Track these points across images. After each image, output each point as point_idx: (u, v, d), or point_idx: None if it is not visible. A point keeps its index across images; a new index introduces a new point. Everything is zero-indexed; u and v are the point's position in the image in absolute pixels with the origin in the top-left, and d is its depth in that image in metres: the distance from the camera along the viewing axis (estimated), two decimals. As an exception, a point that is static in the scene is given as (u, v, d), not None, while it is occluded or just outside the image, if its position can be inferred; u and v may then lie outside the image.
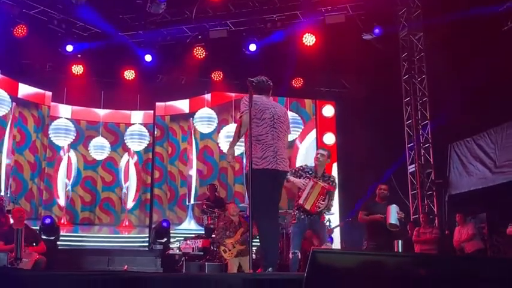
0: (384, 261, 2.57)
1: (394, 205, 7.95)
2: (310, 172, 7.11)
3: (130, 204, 15.13)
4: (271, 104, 5.90)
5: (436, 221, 12.46)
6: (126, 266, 6.95)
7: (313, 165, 7.23)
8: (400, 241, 7.77)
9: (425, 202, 12.87)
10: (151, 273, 5.15)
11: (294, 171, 7.13)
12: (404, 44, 13.51)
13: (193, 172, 15.14)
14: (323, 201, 6.87)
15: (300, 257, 6.87)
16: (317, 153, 7.33)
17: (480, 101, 10.75)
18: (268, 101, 5.88)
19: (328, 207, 7.10)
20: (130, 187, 15.20)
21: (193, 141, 15.29)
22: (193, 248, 10.53)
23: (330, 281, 2.44)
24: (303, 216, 6.99)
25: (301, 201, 6.90)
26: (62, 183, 14.73)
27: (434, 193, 12.83)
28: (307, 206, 6.84)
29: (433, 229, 11.38)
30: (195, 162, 15.17)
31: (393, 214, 7.87)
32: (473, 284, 2.51)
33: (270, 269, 5.26)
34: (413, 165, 13.16)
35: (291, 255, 6.78)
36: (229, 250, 9.25)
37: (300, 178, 7.02)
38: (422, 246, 11.07)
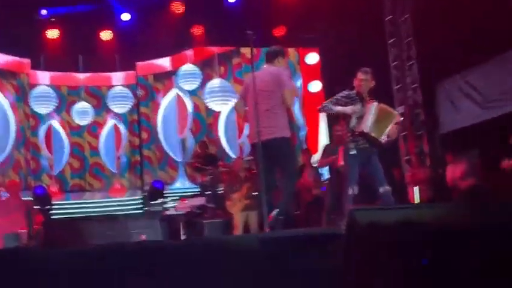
0: (426, 214, 2.49)
1: None
2: (354, 96, 6.33)
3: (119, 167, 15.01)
4: (256, 76, 5.93)
5: (428, 160, 12.49)
6: (143, 236, 6.88)
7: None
8: (415, 188, 7.74)
9: (416, 143, 12.87)
10: (169, 241, 5.05)
11: (335, 100, 6.35)
12: (386, -17, 13.25)
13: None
14: (396, 129, 6.27)
15: (356, 192, 6.16)
16: (358, 77, 6.39)
17: (467, 36, 10.60)
18: (255, 75, 5.94)
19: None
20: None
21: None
22: (190, 206, 10.46)
23: (372, 241, 2.34)
24: (361, 146, 6.24)
25: (365, 129, 6.10)
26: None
27: (425, 133, 12.83)
28: (376, 134, 6.12)
29: (425, 169, 11.44)
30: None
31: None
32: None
33: (274, 212, 5.47)
34: (402, 107, 13.09)
35: (350, 191, 6.13)
36: (236, 205, 9.24)
37: (343, 105, 6.27)
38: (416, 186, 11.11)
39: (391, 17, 13.21)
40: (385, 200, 6.20)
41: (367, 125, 6.13)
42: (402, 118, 6.24)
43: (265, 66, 6.23)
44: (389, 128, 6.20)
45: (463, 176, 10.76)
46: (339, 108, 6.26)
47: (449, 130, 12.18)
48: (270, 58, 6.16)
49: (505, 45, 10.61)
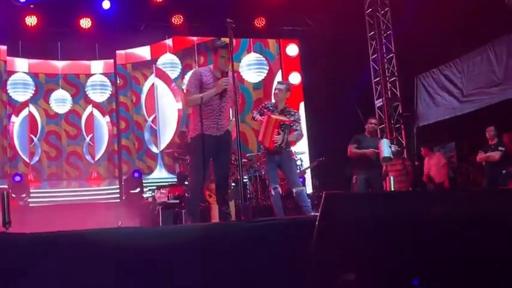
0: (398, 201, 2.54)
1: (385, 139, 8.11)
2: (271, 107, 6.99)
3: (97, 156, 14.90)
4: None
5: (405, 153, 12.63)
6: (120, 222, 6.85)
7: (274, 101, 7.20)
8: (391, 177, 7.86)
9: (394, 135, 13.00)
10: (148, 228, 5.04)
11: (258, 109, 7.10)
12: (366, -23, 13.31)
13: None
14: (277, 134, 6.63)
15: (281, 191, 6.95)
16: (275, 89, 7.20)
17: (444, 31, 10.73)
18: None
19: (285, 142, 6.70)
20: (98, 139, 14.93)
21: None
22: (168, 196, 10.41)
23: (345, 226, 2.39)
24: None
25: (260, 138, 6.90)
26: (25, 139, 14.36)
27: (402, 126, 12.96)
28: (266, 144, 6.75)
29: (403, 161, 11.55)
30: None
31: (386, 148, 7.96)
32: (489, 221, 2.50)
33: None
34: (381, 100, 13.21)
35: (272, 192, 6.79)
36: (214, 194, 9.21)
37: (262, 116, 6.94)
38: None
39: (370, 10, 13.29)
40: (301, 199, 6.80)
41: (261, 134, 6.89)
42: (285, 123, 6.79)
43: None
44: (270, 134, 6.69)
45: (438, 169, 10.98)
46: (258, 117, 6.98)
47: (426, 123, 12.34)
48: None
49: (481, 41, 10.78)
